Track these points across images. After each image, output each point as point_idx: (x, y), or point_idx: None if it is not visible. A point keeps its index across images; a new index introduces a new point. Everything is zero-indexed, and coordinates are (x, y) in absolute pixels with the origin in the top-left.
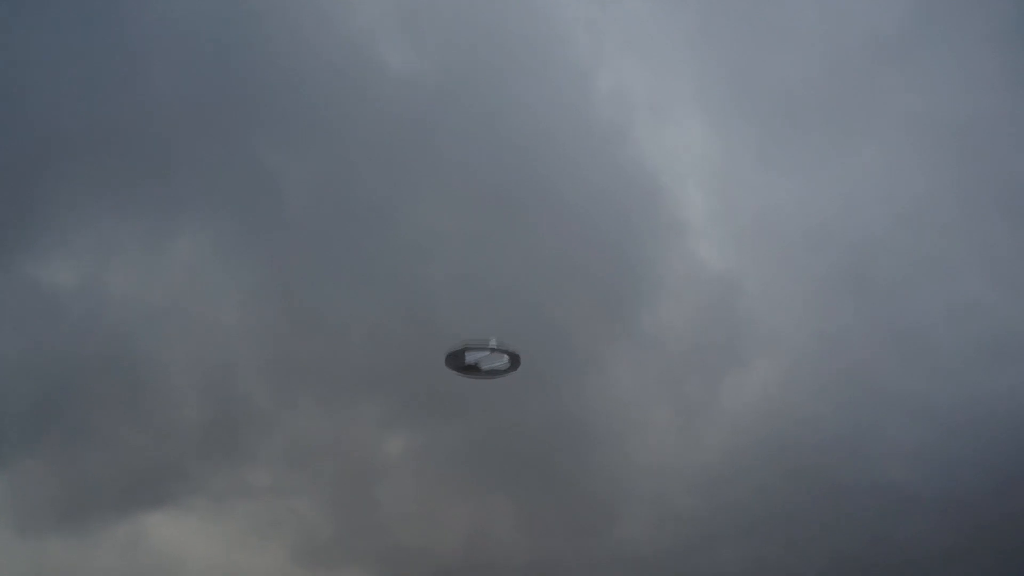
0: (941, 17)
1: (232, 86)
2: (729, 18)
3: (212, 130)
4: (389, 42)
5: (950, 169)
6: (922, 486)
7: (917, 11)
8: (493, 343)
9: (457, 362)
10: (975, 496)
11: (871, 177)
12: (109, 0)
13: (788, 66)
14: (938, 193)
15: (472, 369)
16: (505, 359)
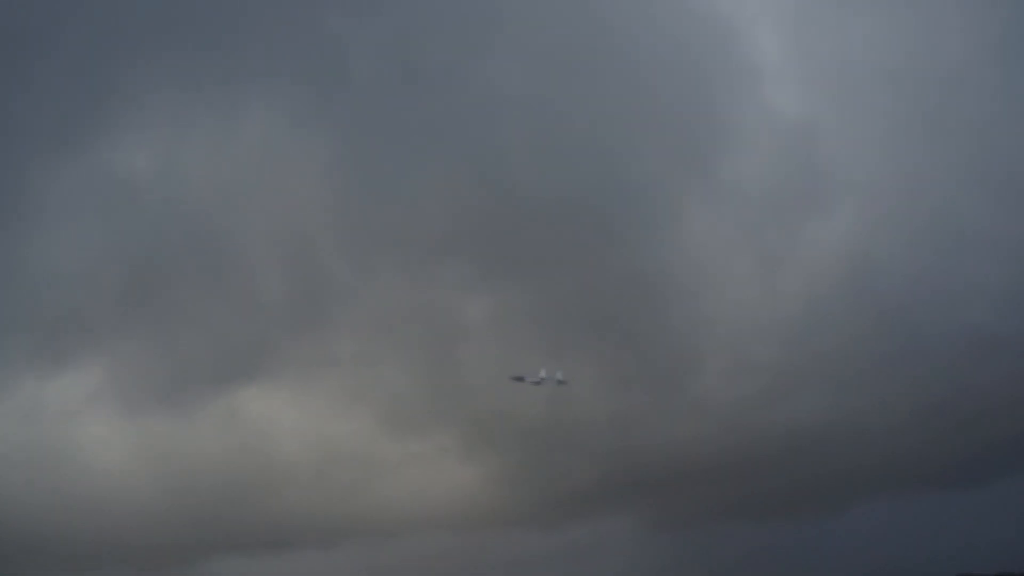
0: None
1: None
2: None
3: None
4: None
5: None
6: (1006, 327)
7: None
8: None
9: None
10: None
11: (952, 9)
12: None
13: None
14: None
15: None
16: None
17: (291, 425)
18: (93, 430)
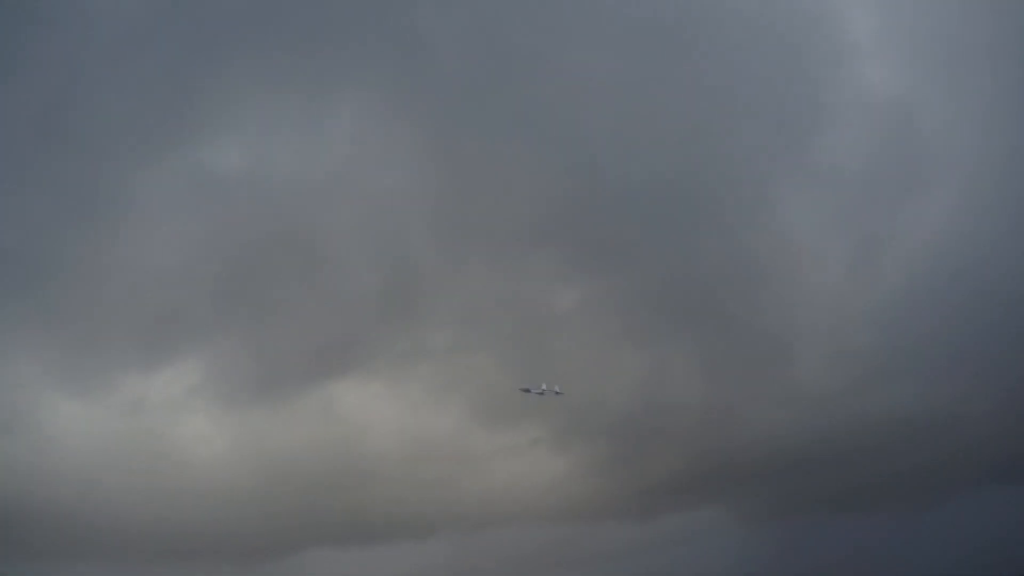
0: None
1: None
2: None
3: None
4: None
5: None
6: None
7: None
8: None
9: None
10: None
11: None
12: None
13: None
14: None
15: None
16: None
17: (384, 418)
18: (193, 424)
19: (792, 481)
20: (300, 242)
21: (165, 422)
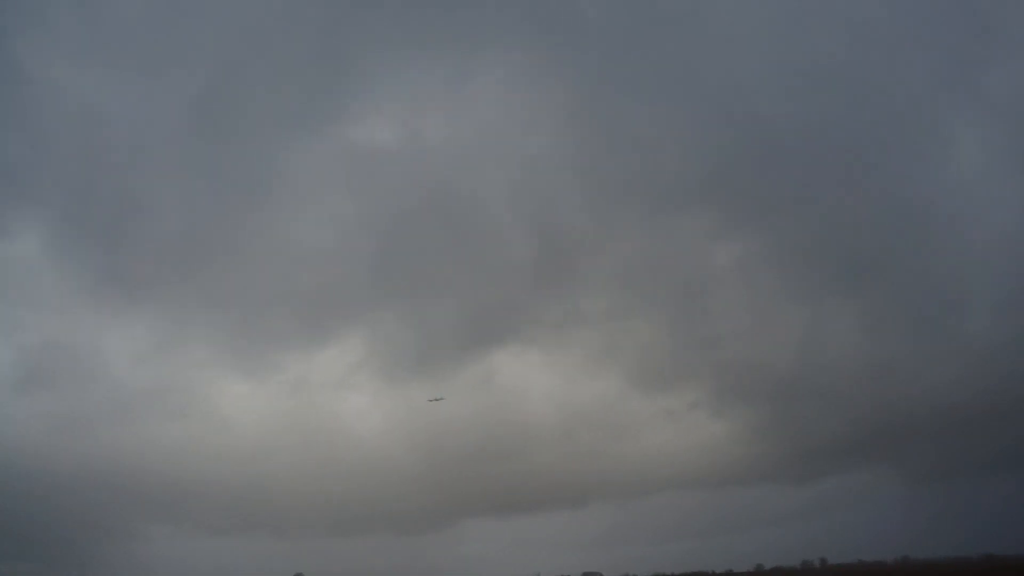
0: None
1: None
2: None
3: None
4: None
5: None
6: None
7: None
8: None
9: None
10: None
11: None
12: None
13: None
14: None
15: None
16: None
17: (541, 386)
18: (355, 400)
19: (961, 439)
20: (453, 212)
21: (329, 399)
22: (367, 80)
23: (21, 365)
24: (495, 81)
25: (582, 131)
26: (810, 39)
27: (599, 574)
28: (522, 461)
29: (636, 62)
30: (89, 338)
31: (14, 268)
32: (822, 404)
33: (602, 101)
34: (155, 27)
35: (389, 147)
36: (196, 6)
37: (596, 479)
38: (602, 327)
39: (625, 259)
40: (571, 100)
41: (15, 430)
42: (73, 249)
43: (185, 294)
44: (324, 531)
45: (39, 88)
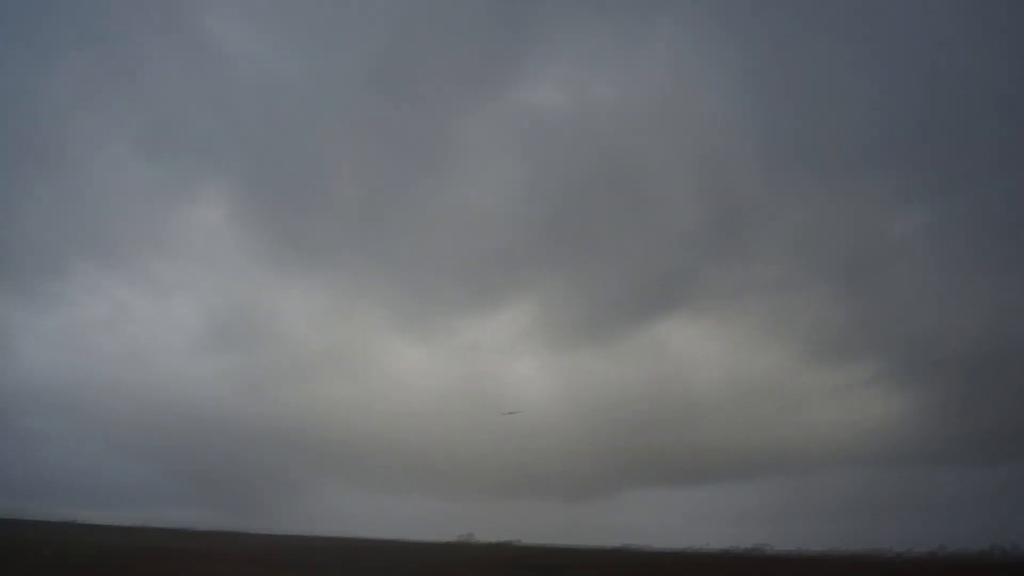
0: None
1: None
2: None
3: None
4: None
5: None
6: None
7: None
8: None
9: None
10: None
11: None
12: None
13: None
14: None
15: None
16: None
17: (710, 356)
18: (524, 365)
19: None
20: (624, 177)
21: (498, 364)
22: (539, 43)
23: (208, 326)
24: (669, 42)
25: (758, 93)
26: None
27: (767, 547)
28: (689, 431)
29: (818, 18)
30: (270, 301)
31: (202, 233)
32: (1013, 381)
33: (777, 59)
34: None
35: (561, 111)
36: None
37: (765, 452)
38: (774, 297)
39: (800, 226)
40: (747, 61)
41: (205, 389)
42: (255, 215)
43: (361, 258)
44: (491, 494)
45: (221, 59)
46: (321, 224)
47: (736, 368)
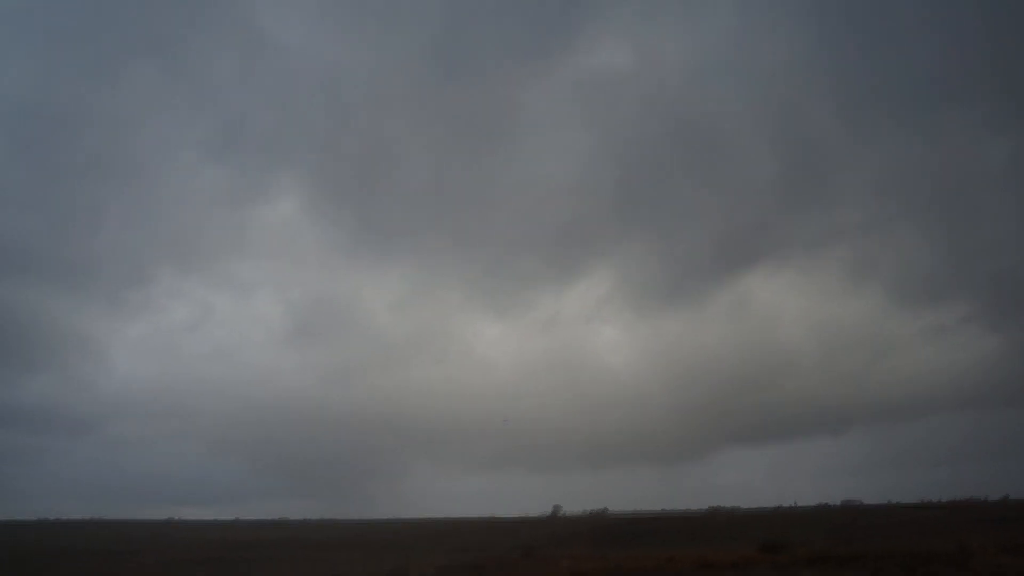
0: None
1: None
2: None
3: None
4: None
5: None
6: None
7: None
8: None
9: None
10: None
11: None
12: None
13: None
14: None
15: None
16: None
17: (797, 308)
18: (606, 334)
19: None
20: (694, 132)
21: (580, 334)
22: (599, 8)
23: (290, 320)
24: None
25: (829, 31)
26: None
27: (859, 501)
28: (778, 387)
29: None
30: (349, 290)
31: (278, 229)
32: None
33: None
34: None
35: (623, 71)
36: None
37: (857, 403)
38: (859, 241)
39: (881, 166)
40: (817, 1)
41: (290, 381)
42: (328, 206)
43: (435, 240)
44: (579, 464)
45: (282, 54)
46: (393, 208)
47: (824, 318)
